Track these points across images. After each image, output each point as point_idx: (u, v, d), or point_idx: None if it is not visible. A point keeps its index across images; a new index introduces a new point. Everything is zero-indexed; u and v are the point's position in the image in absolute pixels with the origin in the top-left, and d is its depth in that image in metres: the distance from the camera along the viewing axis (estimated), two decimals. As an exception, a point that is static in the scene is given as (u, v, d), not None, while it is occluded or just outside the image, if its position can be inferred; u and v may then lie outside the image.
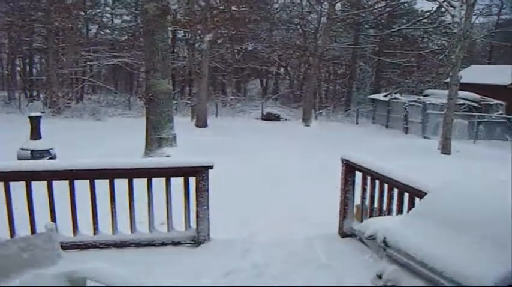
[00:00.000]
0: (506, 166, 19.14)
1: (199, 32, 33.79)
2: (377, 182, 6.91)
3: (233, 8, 32.95)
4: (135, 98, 41.87)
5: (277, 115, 38.08)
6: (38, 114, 16.50)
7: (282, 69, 51.11)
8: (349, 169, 7.49)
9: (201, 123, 30.80)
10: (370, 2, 46.06)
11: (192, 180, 6.91)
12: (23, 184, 6.38)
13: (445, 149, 24.07)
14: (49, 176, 6.48)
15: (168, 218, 7.02)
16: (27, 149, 14.84)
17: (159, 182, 6.87)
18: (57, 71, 34.66)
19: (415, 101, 33.97)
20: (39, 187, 6.51)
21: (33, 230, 6.37)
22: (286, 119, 37.78)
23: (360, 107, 41.92)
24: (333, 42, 43.27)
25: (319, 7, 39.74)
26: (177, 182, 6.93)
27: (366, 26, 48.30)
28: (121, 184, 6.73)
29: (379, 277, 3.88)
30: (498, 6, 50.07)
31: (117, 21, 46.58)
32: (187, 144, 18.00)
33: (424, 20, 45.33)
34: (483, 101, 33.27)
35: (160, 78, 16.76)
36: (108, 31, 46.39)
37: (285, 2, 45.44)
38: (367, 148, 21.31)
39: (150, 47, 17.01)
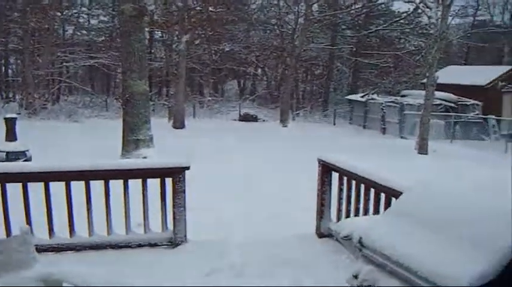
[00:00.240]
0: (482, 165, 19.34)
1: (176, 32, 33.62)
2: (354, 182, 6.95)
3: (210, 8, 32.94)
4: (112, 99, 41.60)
5: (254, 116, 38.09)
6: (14, 115, 16.36)
7: (259, 70, 51.06)
8: (326, 169, 7.51)
9: (179, 125, 30.75)
10: (347, 3, 46.27)
11: (169, 181, 6.90)
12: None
13: (422, 149, 24.25)
14: (24, 178, 6.42)
15: (144, 219, 7.00)
16: (2, 151, 14.72)
17: (136, 184, 6.85)
18: (33, 72, 34.35)
19: (392, 102, 34.19)
20: (14, 189, 6.46)
21: (8, 233, 6.31)
22: (263, 120, 37.82)
23: (338, 108, 42.00)
24: (310, 43, 43.31)
25: (297, 8, 39.77)
26: (154, 183, 6.92)
27: (343, 26, 48.46)
28: (98, 186, 6.70)
29: (355, 277, 3.88)
30: (474, 8, 50.55)
31: (93, 21, 46.19)
32: (165, 145, 17.99)
33: (401, 21, 45.68)
34: (460, 101, 33.56)
35: (137, 79, 16.75)
36: (84, 32, 46.00)
37: (262, 3, 45.50)
38: (344, 148, 21.38)
39: (126, 48, 16.99)
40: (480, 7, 50.61)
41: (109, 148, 17.27)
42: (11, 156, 14.55)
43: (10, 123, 15.27)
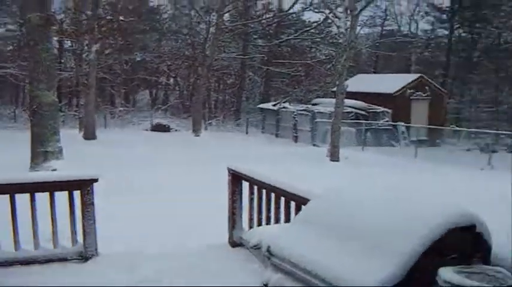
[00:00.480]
0: (393, 171, 19.77)
1: (86, 42, 33.13)
2: (264, 191, 6.95)
3: (121, 18, 32.71)
4: (21, 111, 40.66)
5: (167, 126, 37.86)
6: None
7: (171, 80, 50.87)
8: (236, 179, 7.50)
9: (90, 135, 30.23)
10: (258, 12, 46.64)
11: (77, 194, 6.74)
12: None
13: (334, 156, 24.57)
14: None
15: (53, 233, 6.81)
16: None
17: (45, 197, 6.66)
18: None
19: (304, 110, 34.61)
20: None
21: None
22: (176, 130, 37.63)
23: (250, 117, 42.26)
24: (221, 52, 43.44)
25: (208, 17, 39.80)
26: (65, 195, 6.75)
27: (255, 36, 48.77)
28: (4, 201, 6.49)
29: (265, 286, 3.88)
30: (382, 18, 51.76)
31: (1, 30, 45.02)
32: (75, 157, 17.62)
33: (312, 31, 46.45)
34: (370, 109, 34.26)
35: (45, 89, 16.39)
36: (-9, 41, 44.87)
37: (174, 13, 45.37)
38: (257, 156, 21.47)
39: (33, 57, 16.63)
40: (388, 17, 52.07)
41: (17, 161, 16.80)
42: None
43: None
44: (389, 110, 34.85)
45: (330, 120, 27.31)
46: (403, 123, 33.94)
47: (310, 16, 45.65)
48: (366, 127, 32.46)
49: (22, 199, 6.53)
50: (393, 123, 34.29)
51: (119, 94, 48.11)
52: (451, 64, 49.91)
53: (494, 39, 47.12)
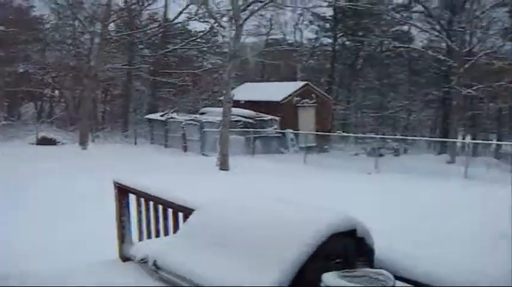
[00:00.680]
0: (281, 179, 20.01)
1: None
2: (151, 203, 6.89)
3: (1, 28, 31.66)
4: None
5: (53, 139, 36.84)
6: None
7: (56, 92, 49.67)
8: (122, 192, 7.37)
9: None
10: (144, 22, 46.34)
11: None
12: None
13: (223, 165, 24.65)
14: None
15: None
16: None
17: None
18: None
19: (192, 120, 34.58)
20: None
21: None
22: (62, 143, 36.70)
23: (138, 128, 41.85)
24: (107, 63, 42.81)
25: (92, 27, 39.14)
26: None
27: (141, 46, 48.36)
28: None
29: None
30: (267, 27, 52.29)
31: None
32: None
33: (198, 40, 46.51)
34: (258, 117, 34.61)
35: None
36: None
37: (57, 23, 44.30)
38: (146, 167, 21.33)
39: None
40: (273, 26, 52.52)
41: None
42: None
43: None
44: (277, 118, 35.31)
45: (218, 130, 27.41)
46: (291, 131, 34.53)
47: (196, 26, 45.75)
48: (255, 135, 32.81)
49: None
50: (281, 130, 34.81)
51: (1, 107, 46.55)
52: (336, 71, 51.19)
53: (376, 47, 48.68)
